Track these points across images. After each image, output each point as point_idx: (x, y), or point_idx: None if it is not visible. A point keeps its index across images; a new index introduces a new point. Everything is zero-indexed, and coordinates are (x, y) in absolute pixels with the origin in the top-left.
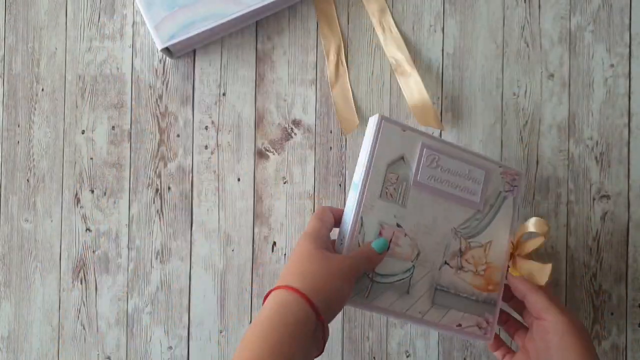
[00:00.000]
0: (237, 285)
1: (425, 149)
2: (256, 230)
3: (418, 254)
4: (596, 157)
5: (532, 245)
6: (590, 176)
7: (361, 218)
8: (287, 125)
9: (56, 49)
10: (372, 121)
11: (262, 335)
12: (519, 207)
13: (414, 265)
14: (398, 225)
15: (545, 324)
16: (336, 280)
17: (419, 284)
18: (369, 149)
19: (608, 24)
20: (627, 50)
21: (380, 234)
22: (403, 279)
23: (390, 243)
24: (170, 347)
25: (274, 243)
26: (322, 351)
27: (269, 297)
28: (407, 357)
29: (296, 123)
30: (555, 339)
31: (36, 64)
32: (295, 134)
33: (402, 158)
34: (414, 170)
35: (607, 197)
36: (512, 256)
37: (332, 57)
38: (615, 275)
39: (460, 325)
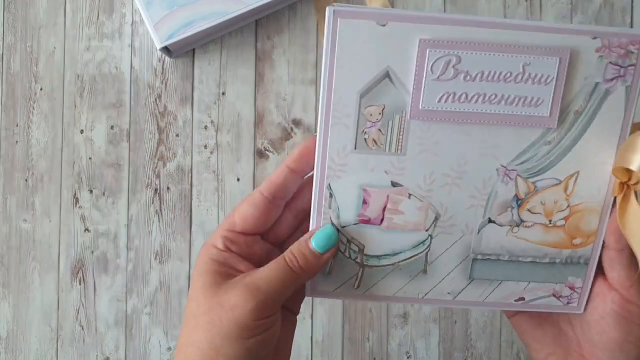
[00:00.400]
0: None
1: (428, 50)
2: None
3: (436, 219)
4: None
5: None
6: None
7: (328, 186)
8: (287, 125)
9: (55, 48)
10: (327, 21)
11: None
12: (636, 101)
13: (430, 236)
14: (394, 184)
15: (631, 309)
16: (232, 344)
17: (442, 258)
18: (325, 73)
19: (609, 23)
20: None
21: (364, 202)
22: (415, 255)
23: (384, 212)
24: (170, 348)
25: None
26: None
27: None
28: (408, 357)
29: (296, 122)
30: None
31: (35, 63)
32: (295, 133)
33: (387, 75)
34: (411, 91)
35: None
36: (622, 187)
37: None
38: None
39: (522, 299)
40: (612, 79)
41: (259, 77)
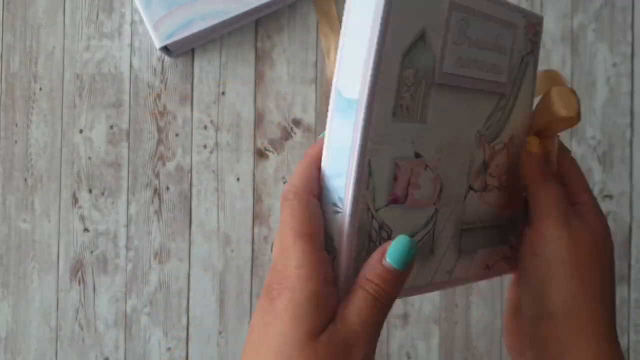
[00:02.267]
0: (236, 286)
1: (454, 12)
2: (256, 230)
3: (440, 190)
4: (599, 157)
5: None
6: (592, 176)
7: (369, 163)
8: (287, 125)
9: (54, 47)
10: None
11: None
12: (537, 68)
13: (436, 210)
14: (417, 156)
15: (538, 241)
16: None
17: (443, 233)
18: (374, 32)
19: (610, 22)
20: (630, 49)
21: (395, 179)
22: (425, 235)
23: (408, 189)
24: (169, 348)
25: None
26: None
27: None
28: (409, 358)
29: (296, 122)
30: (546, 269)
31: (34, 63)
32: (295, 133)
33: (423, 36)
34: (438, 54)
35: (610, 197)
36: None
37: (333, 55)
38: (618, 275)
39: (487, 266)
40: (530, 52)
41: (258, 77)
